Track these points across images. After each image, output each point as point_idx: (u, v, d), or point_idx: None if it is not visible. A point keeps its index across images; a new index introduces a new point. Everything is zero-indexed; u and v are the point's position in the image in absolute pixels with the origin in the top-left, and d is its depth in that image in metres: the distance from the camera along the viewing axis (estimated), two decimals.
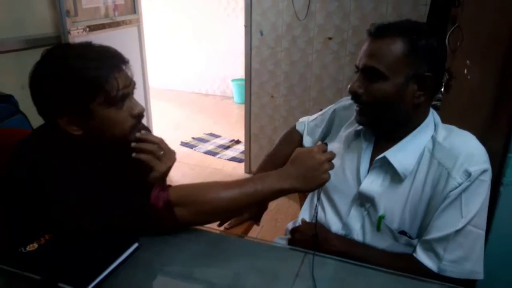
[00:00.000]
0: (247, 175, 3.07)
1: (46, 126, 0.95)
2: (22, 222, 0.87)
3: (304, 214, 1.22)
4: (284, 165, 0.92)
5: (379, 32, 0.92)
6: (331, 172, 0.90)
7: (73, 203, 0.84)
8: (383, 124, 0.99)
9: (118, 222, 0.86)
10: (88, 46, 0.90)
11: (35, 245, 0.81)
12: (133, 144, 0.95)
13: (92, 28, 2.45)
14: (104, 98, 0.86)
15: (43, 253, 0.79)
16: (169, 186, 0.91)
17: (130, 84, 0.91)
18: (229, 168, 3.38)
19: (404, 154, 0.96)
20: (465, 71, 1.43)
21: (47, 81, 0.85)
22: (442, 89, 1.58)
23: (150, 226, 0.88)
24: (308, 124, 1.32)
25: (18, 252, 0.79)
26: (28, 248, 0.80)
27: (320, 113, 1.30)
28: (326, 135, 1.25)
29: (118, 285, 0.76)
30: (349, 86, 0.98)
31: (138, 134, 0.94)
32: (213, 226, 0.94)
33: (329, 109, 1.26)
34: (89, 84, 0.84)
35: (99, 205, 0.85)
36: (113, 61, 0.88)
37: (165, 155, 0.98)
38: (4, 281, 0.77)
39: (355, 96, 0.98)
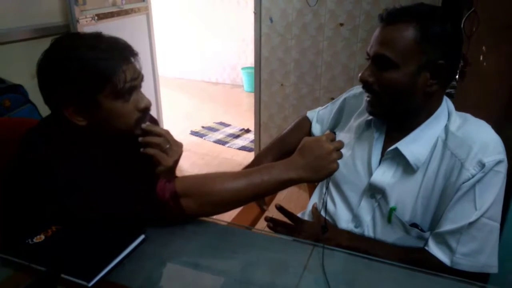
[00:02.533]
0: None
1: (52, 117, 0.94)
2: (29, 214, 0.87)
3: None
4: (290, 151, 0.90)
5: (391, 18, 0.89)
6: (341, 162, 0.88)
7: (79, 194, 0.83)
8: (395, 114, 0.96)
9: (124, 213, 0.85)
10: (97, 37, 0.89)
11: (42, 237, 0.81)
12: (140, 139, 0.94)
13: (101, 17, 2.44)
14: (111, 90, 0.85)
15: (50, 244, 0.79)
16: (176, 177, 0.90)
17: (138, 77, 0.90)
18: (239, 157, 3.37)
19: (416, 145, 0.93)
20: (481, 58, 1.39)
21: (55, 71, 0.85)
22: (457, 77, 1.54)
23: (156, 217, 0.88)
24: (319, 113, 1.30)
25: (25, 243, 0.79)
26: (35, 240, 0.80)
27: (331, 102, 1.28)
28: (336, 125, 1.22)
29: (124, 277, 0.75)
30: (359, 74, 0.95)
31: (143, 125, 0.93)
32: (220, 218, 0.93)
33: (339, 98, 1.24)
34: (97, 75, 0.84)
35: (104, 196, 0.85)
36: (122, 53, 0.88)
37: (172, 148, 0.96)
38: (11, 272, 0.77)
39: (365, 85, 0.95)
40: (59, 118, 0.90)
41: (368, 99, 0.97)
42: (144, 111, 0.93)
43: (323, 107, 1.30)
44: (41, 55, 0.87)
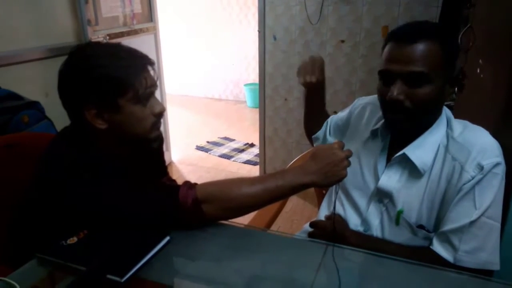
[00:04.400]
0: None
1: (71, 126, 1.00)
2: (59, 220, 0.92)
3: (323, 212, 1.26)
4: None
5: (412, 37, 0.92)
6: (349, 170, 0.93)
7: (105, 202, 0.89)
8: (422, 125, 1.00)
9: (149, 220, 0.91)
10: (117, 46, 0.95)
11: (75, 239, 0.87)
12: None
13: (112, 37, 2.54)
14: (132, 95, 0.91)
15: (83, 246, 0.85)
16: (195, 184, 0.96)
17: (155, 84, 0.97)
18: (244, 171, 3.43)
19: (422, 150, 0.99)
20: (478, 70, 1.46)
21: (80, 76, 0.90)
22: (456, 89, 1.61)
23: (179, 223, 0.93)
24: (332, 119, 1.36)
25: (60, 244, 0.85)
26: (68, 241, 0.86)
27: (340, 111, 1.34)
28: (342, 134, 1.28)
29: (153, 274, 0.81)
30: (388, 94, 0.95)
31: None
32: (238, 221, 0.98)
33: (345, 110, 1.31)
34: (121, 80, 0.89)
35: (130, 205, 0.91)
36: (142, 60, 0.94)
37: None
38: (48, 270, 0.83)
39: (397, 104, 0.95)
40: (78, 126, 0.95)
41: (400, 116, 0.97)
42: (159, 116, 0.99)
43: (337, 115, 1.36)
44: (63, 61, 0.92)
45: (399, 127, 1.01)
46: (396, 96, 0.93)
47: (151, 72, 0.95)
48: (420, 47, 0.92)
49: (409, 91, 0.94)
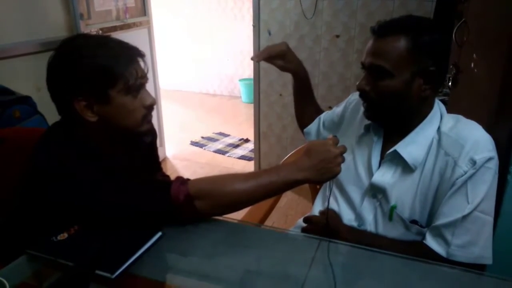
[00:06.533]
0: None
1: (62, 120, 0.98)
2: (50, 215, 0.91)
3: (317, 207, 1.25)
4: None
5: (382, 31, 0.95)
6: (344, 165, 0.93)
7: (96, 197, 0.88)
8: (391, 118, 1.03)
9: (141, 215, 0.90)
10: (106, 37, 0.95)
11: (65, 235, 0.86)
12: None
13: (105, 31, 2.51)
14: (123, 86, 0.90)
15: (74, 242, 0.85)
16: (188, 179, 0.95)
17: (145, 75, 0.96)
18: (238, 166, 3.43)
19: (413, 146, 0.99)
20: (472, 65, 1.46)
21: (69, 67, 0.89)
22: (450, 84, 1.61)
23: (172, 218, 0.92)
24: (325, 115, 1.36)
25: (50, 240, 0.84)
26: (59, 238, 0.85)
27: (335, 106, 1.34)
28: (337, 129, 1.28)
29: (144, 270, 0.81)
30: (357, 83, 1.01)
31: None
32: (231, 216, 0.98)
33: (341, 104, 1.30)
34: (111, 71, 0.88)
35: (121, 200, 0.89)
36: (131, 51, 0.93)
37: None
38: (38, 267, 0.82)
39: (363, 93, 1.01)
40: (69, 120, 0.94)
41: (365, 104, 1.04)
42: (150, 109, 0.98)
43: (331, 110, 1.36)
44: (52, 53, 0.90)
45: (365, 116, 1.06)
46: (361, 86, 1.00)
47: (141, 64, 0.94)
48: (386, 42, 0.94)
49: (373, 83, 0.98)
